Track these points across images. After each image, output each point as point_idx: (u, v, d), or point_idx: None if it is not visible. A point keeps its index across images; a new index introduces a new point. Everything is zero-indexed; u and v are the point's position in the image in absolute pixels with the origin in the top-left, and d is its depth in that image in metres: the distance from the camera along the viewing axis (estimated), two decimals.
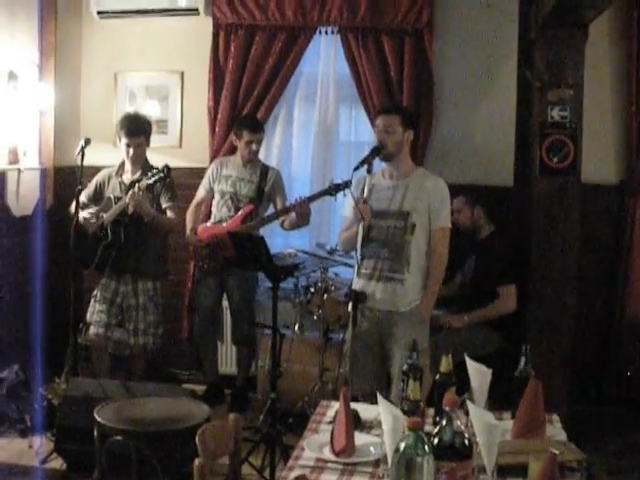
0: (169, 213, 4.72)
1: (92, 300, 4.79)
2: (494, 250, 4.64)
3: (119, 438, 2.96)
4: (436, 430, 1.90)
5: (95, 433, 3.10)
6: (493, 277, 4.56)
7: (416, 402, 2.31)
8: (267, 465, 3.92)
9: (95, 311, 4.75)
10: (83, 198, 4.74)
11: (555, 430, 2.62)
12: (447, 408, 1.88)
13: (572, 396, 4.53)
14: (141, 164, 4.75)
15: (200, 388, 5.18)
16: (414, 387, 2.31)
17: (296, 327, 4.76)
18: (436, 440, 1.87)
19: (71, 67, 5.57)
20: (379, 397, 2.28)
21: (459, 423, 1.90)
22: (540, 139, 4.53)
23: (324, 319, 4.59)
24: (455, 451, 1.86)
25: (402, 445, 1.78)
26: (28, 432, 4.44)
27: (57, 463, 4.04)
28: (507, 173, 5.15)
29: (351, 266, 4.61)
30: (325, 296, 4.58)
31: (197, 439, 2.33)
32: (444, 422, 1.88)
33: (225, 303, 5.24)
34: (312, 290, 4.68)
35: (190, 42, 5.50)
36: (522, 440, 2.43)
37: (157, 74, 5.60)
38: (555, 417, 2.74)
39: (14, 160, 4.85)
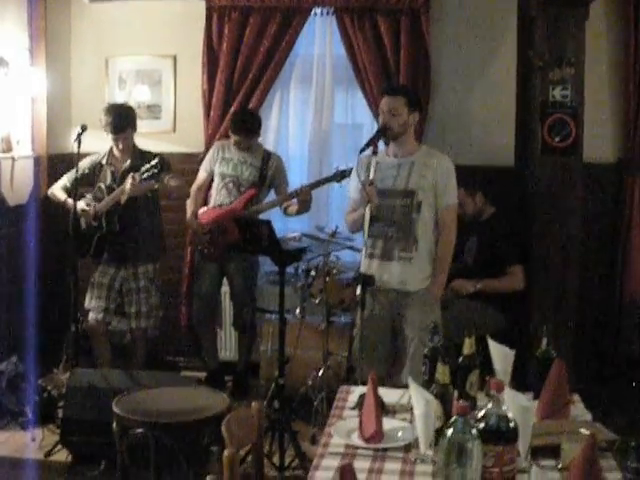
0: (172, 181, 4.65)
1: (89, 287, 4.74)
2: (497, 231, 4.63)
3: (141, 430, 2.91)
4: (481, 414, 1.87)
5: (114, 425, 3.03)
6: (498, 258, 4.55)
7: (446, 386, 2.28)
8: (275, 450, 3.89)
9: (93, 297, 4.71)
10: (65, 181, 4.68)
11: (579, 410, 2.61)
12: (493, 392, 1.86)
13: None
14: (130, 151, 4.70)
15: (199, 375, 5.14)
16: (443, 370, 2.28)
17: (297, 311, 4.72)
18: (482, 424, 1.84)
19: (61, 52, 5.46)
20: (410, 381, 2.26)
21: (504, 407, 1.88)
22: (541, 119, 4.52)
23: (326, 303, 4.55)
24: (501, 435, 1.84)
25: (449, 431, 1.75)
26: (29, 425, 4.37)
27: (62, 455, 4.00)
28: (508, 153, 5.13)
29: (353, 249, 4.58)
30: (327, 279, 4.54)
31: (223, 428, 2.29)
32: (490, 406, 1.86)
33: (224, 288, 5.20)
34: (313, 274, 4.63)
35: (182, 25, 5.38)
36: (551, 421, 2.42)
37: (149, 58, 5.49)
38: (576, 397, 2.73)
39: (7, 148, 4.76)
